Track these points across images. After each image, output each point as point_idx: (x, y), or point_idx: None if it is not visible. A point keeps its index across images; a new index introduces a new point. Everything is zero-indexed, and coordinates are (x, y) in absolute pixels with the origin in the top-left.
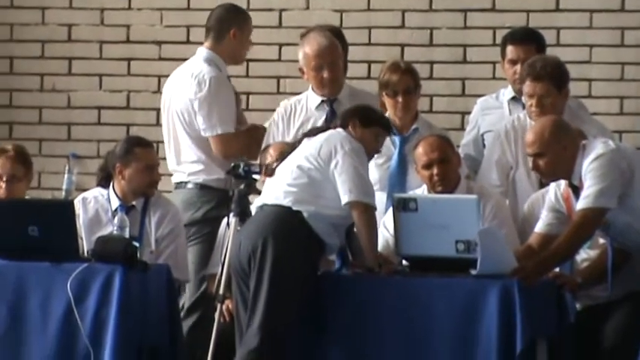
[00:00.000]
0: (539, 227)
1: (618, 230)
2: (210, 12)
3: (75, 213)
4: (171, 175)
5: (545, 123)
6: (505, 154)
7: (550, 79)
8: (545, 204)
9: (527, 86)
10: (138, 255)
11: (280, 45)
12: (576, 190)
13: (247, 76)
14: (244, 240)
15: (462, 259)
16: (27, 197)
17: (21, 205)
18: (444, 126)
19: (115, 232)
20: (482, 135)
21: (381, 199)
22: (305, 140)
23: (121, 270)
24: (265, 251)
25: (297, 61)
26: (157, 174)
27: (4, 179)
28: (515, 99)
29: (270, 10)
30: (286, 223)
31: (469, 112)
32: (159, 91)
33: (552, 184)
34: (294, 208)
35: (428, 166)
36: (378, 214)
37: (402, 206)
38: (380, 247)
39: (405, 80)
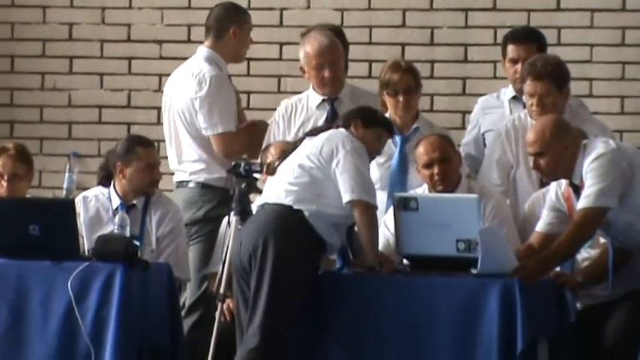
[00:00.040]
0: (540, 226)
1: (619, 229)
2: (209, 11)
3: (76, 212)
4: (172, 174)
5: (546, 122)
6: (506, 153)
7: (551, 79)
8: (546, 203)
9: (528, 85)
10: (139, 254)
11: (281, 44)
12: (577, 189)
13: (248, 75)
14: (245, 239)
15: (463, 258)
16: (28, 196)
17: (22, 204)
18: (444, 125)
19: (115, 231)
20: (482, 134)
21: (381, 198)
22: (306, 139)
23: (122, 269)
24: (266, 250)
25: (297, 60)
26: (158, 173)
27: (6, 178)
28: (516, 98)
29: (270, 9)
30: (287, 222)
31: (470, 112)
32: (160, 89)
33: (553, 184)
34: (295, 207)
35: (428, 165)
36: (378, 213)
37: (402, 205)
38: (381, 246)
39: (406, 79)
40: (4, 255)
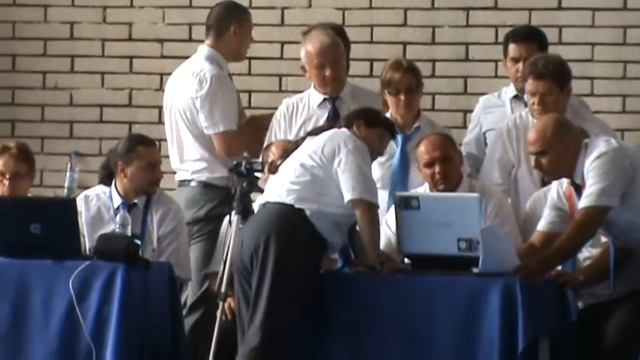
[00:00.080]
0: (542, 225)
1: (620, 229)
2: (210, 9)
3: (77, 211)
4: (174, 173)
5: (548, 121)
6: (507, 152)
7: (552, 78)
8: (548, 202)
9: (530, 84)
10: (140, 253)
11: (282, 43)
12: (578, 188)
13: (249, 74)
14: (247, 238)
15: (464, 257)
16: (29, 195)
17: (23, 203)
18: (446, 124)
19: (117, 230)
20: (484, 133)
21: (383, 197)
22: (308, 139)
23: (123, 268)
24: (267, 249)
25: (299, 59)
26: (159, 172)
27: (7, 177)
28: (518, 97)
29: (272, 8)
30: (289, 221)
31: (471, 111)
32: (161, 88)
33: (554, 183)
34: (297, 206)
35: (430, 164)
36: (380, 212)
37: (404, 204)
38: (382, 245)
39: (408, 78)
40: (6, 254)
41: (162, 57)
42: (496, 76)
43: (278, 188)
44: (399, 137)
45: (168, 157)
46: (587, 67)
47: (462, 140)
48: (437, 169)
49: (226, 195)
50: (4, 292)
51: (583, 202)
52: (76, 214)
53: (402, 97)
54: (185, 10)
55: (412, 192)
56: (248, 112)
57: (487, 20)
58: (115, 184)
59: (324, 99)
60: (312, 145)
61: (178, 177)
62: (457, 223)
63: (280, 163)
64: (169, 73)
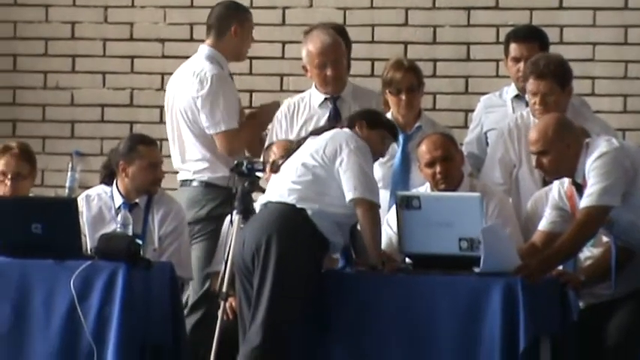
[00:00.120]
0: (543, 225)
1: (622, 228)
2: (211, 9)
3: (78, 211)
4: (176, 172)
5: (549, 121)
6: (508, 152)
7: (553, 77)
8: (549, 202)
9: (531, 84)
10: (141, 253)
11: (283, 43)
12: (580, 188)
13: (250, 73)
14: (248, 237)
15: (466, 256)
16: (30, 195)
17: (24, 203)
18: (447, 124)
19: (118, 229)
20: (485, 133)
21: (384, 196)
22: (310, 139)
23: (124, 268)
24: (269, 249)
25: (300, 58)
26: (161, 172)
27: (9, 177)
28: (519, 97)
29: (273, 7)
30: (290, 220)
31: (472, 110)
32: (162, 88)
33: (556, 182)
34: (298, 206)
35: (431, 164)
36: (381, 211)
37: (405, 204)
38: (383, 244)
39: (409, 78)
40: (7, 254)
41: (164, 57)
42: (497, 76)
43: (280, 188)
44: (400, 137)
45: (169, 156)
46: (589, 67)
47: (463, 140)
48: (438, 168)
49: (228, 195)
50: (5, 291)
51: (584, 202)
52: (77, 214)
53: (403, 97)
54: (186, 9)
55: (413, 192)
56: (249, 112)
57: (488, 20)
58: (117, 184)
59: (325, 98)
60: (313, 144)
61: (180, 177)
62: (458, 223)
63: (282, 163)
64: (170, 73)
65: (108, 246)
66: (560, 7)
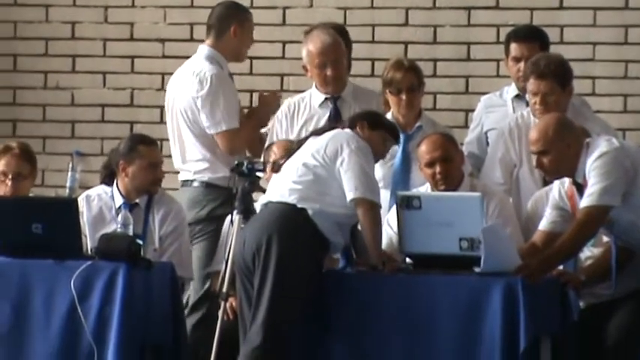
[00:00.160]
0: (543, 225)
1: (622, 228)
2: (211, 9)
3: (79, 211)
4: (177, 172)
5: (549, 121)
6: (509, 151)
7: (554, 77)
8: (549, 202)
9: (531, 84)
10: (141, 253)
11: (284, 42)
12: (580, 187)
13: (251, 73)
14: (249, 237)
15: (466, 256)
16: (31, 195)
17: (25, 203)
18: (447, 124)
19: (118, 229)
20: (485, 133)
21: (384, 196)
22: (311, 139)
23: (125, 268)
24: (270, 249)
25: (300, 58)
26: (161, 172)
27: (10, 177)
28: (519, 97)
29: (273, 7)
30: (291, 220)
31: (473, 110)
32: (162, 88)
33: (556, 182)
34: (299, 206)
35: (431, 164)
36: (381, 211)
37: (405, 204)
38: (384, 244)
39: (409, 78)
40: (7, 254)
41: (164, 57)
42: (497, 76)
43: (280, 188)
44: (401, 137)
45: (170, 156)
46: (589, 67)
47: (463, 140)
48: (438, 168)
49: (228, 195)
50: (5, 292)
51: (585, 202)
52: (78, 214)
53: (404, 97)
54: (186, 9)
55: (414, 191)
56: None
57: (488, 20)
58: (117, 184)
59: (326, 98)
60: (314, 144)
61: (181, 177)
62: (459, 223)
63: (283, 163)
64: (171, 73)
65: (108, 246)
66: (561, 7)
